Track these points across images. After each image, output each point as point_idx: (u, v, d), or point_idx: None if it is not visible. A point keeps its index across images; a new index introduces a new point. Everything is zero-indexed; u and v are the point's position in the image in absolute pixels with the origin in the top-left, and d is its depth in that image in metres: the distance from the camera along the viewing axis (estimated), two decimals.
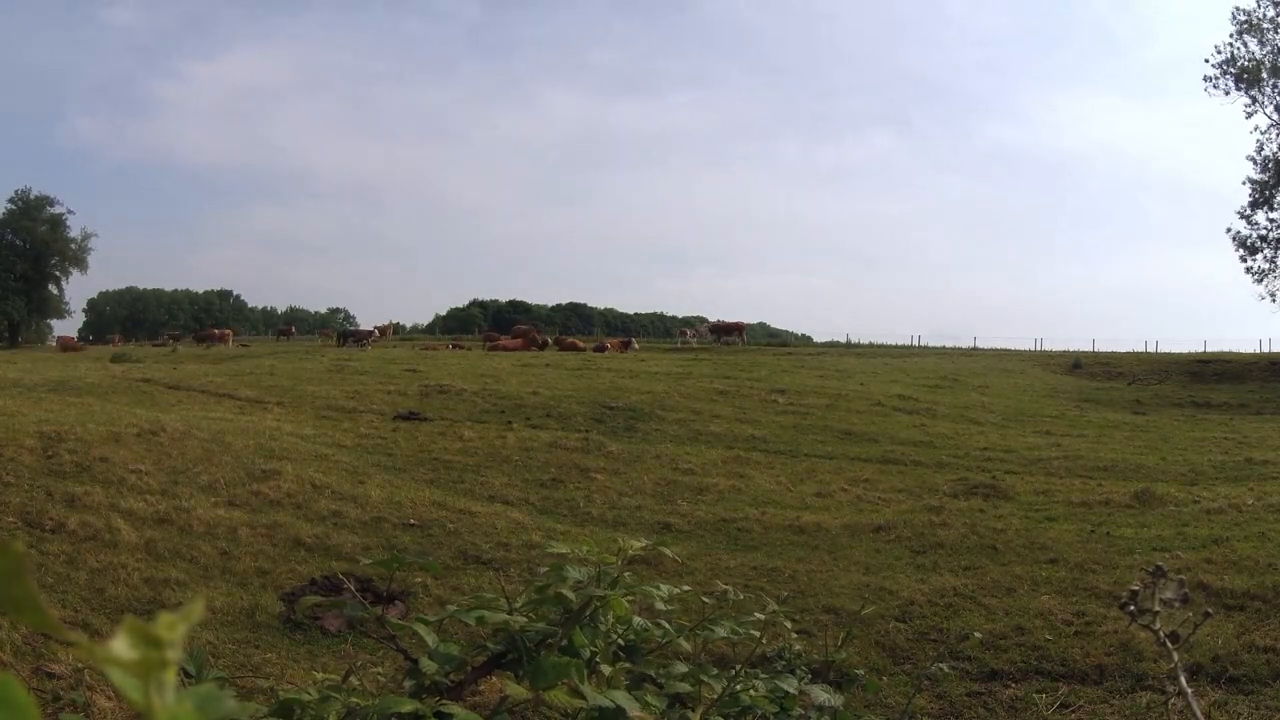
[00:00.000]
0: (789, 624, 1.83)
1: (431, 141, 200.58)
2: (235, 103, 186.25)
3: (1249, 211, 36.36)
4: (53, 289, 67.97)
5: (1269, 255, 36.27)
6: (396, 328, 63.25)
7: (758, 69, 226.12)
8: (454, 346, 43.29)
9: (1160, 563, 1.24)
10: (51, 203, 66.38)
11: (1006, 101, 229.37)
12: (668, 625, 1.68)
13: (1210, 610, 1.48)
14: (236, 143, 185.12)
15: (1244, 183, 36.33)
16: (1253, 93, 34.89)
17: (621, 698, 1.36)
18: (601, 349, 36.83)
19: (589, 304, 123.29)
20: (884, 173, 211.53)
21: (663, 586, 1.64)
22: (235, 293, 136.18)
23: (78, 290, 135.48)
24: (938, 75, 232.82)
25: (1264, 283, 36.48)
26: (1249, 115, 35.51)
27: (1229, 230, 36.79)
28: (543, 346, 38.05)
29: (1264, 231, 36.19)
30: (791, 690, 1.64)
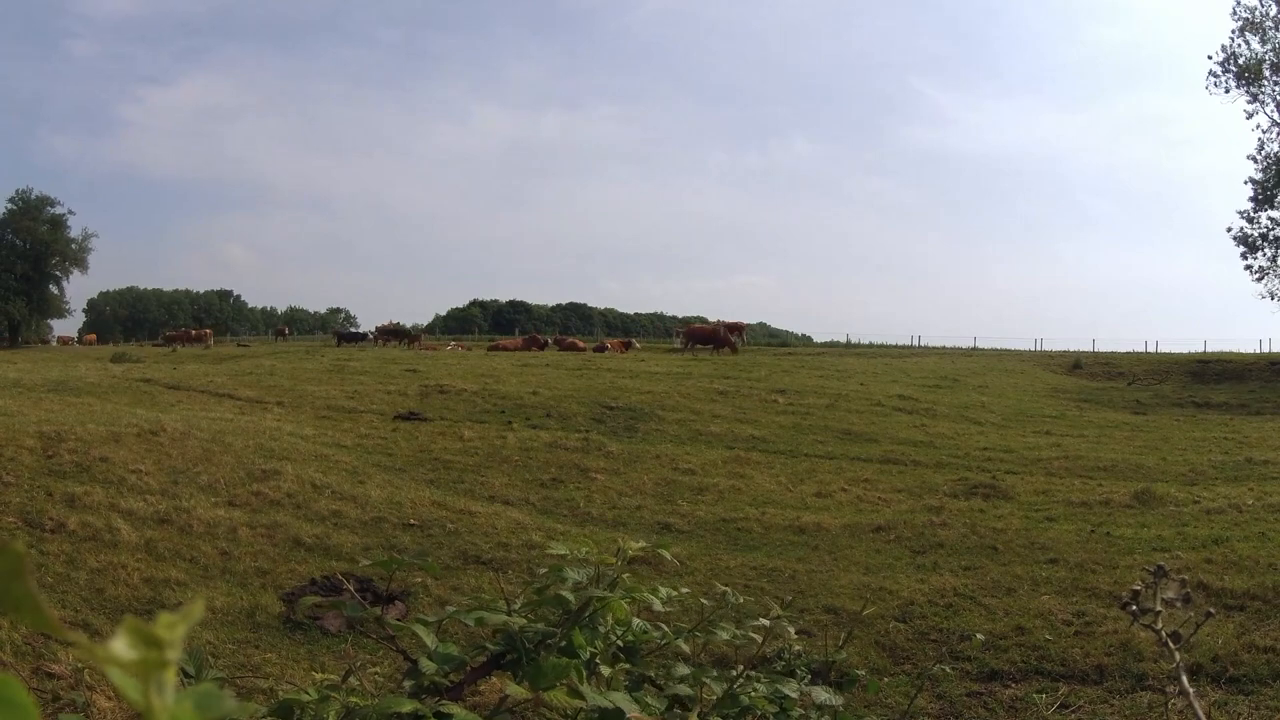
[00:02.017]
0: (791, 629, 1.83)
1: (380, 154, 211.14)
2: (197, 122, 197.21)
3: (1251, 210, 36.35)
4: (53, 289, 67.95)
5: (1269, 254, 36.25)
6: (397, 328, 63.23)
7: (671, 82, 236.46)
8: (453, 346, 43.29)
9: (1161, 563, 1.24)
10: (52, 203, 66.34)
11: (925, 105, 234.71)
12: (666, 627, 1.68)
13: (1212, 610, 1.48)
14: (204, 158, 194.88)
15: (1245, 182, 36.34)
16: (1254, 90, 34.87)
17: (620, 699, 1.35)
18: (602, 349, 36.72)
19: (589, 304, 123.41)
20: (815, 176, 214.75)
21: (661, 589, 1.64)
22: (235, 293, 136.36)
23: (78, 290, 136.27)
24: (851, 81, 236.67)
25: (1264, 282, 36.50)
26: (1249, 115, 35.50)
27: (1230, 229, 36.80)
28: (543, 347, 38.06)
29: (1265, 230, 36.17)
30: (792, 694, 1.64)
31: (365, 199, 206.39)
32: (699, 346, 33.77)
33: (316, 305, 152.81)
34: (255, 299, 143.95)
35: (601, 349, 37.05)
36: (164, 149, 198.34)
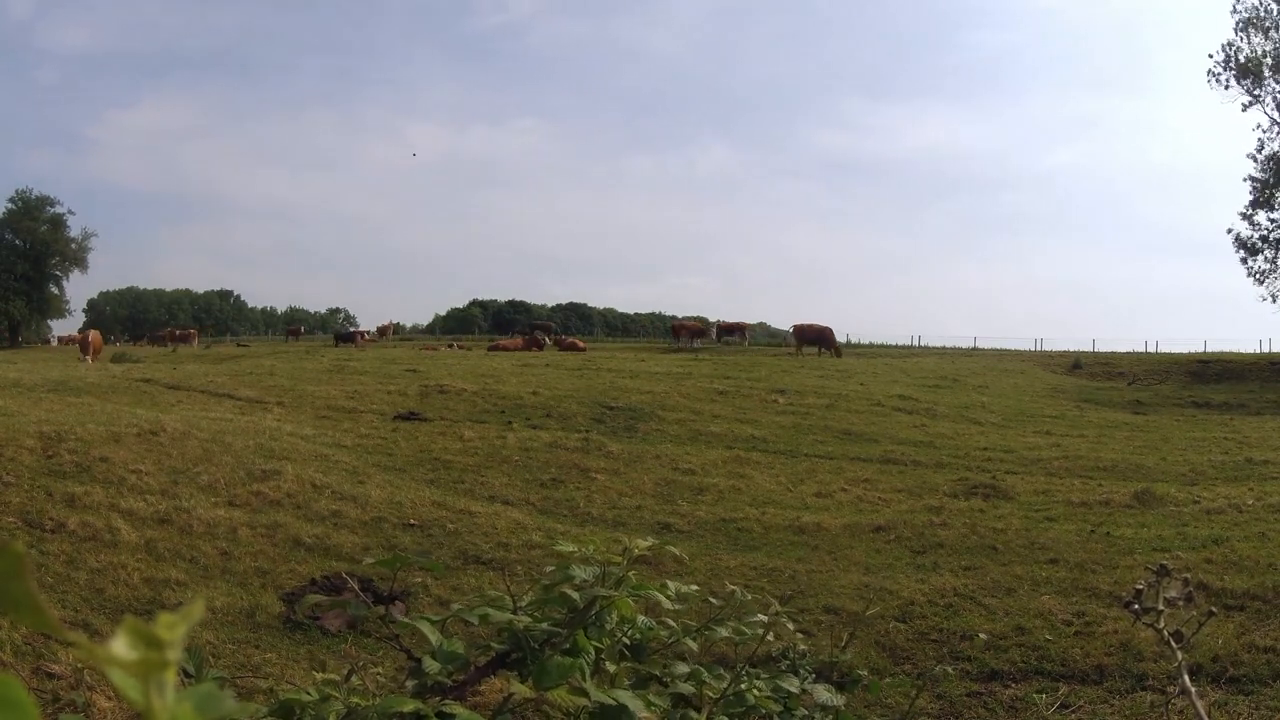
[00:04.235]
0: (791, 625, 1.83)
1: (333, 168, 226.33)
2: (163, 141, 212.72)
3: (1250, 211, 36.26)
4: (53, 289, 67.95)
5: (1269, 256, 36.19)
6: (396, 328, 63.46)
7: (577, 98, 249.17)
8: (450, 347, 43.56)
9: (1164, 562, 1.23)
10: (52, 203, 66.40)
11: (831, 109, 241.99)
12: (674, 624, 1.67)
13: (1214, 610, 1.48)
14: (178, 172, 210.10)
15: (1244, 180, 36.27)
16: (1253, 90, 34.83)
17: (626, 697, 1.35)
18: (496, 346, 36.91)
19: (589, 304, 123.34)
20: (735, 181, 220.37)
21: (671, 585, 1.64)
22: (235, 293, 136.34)
23: (78, 290, 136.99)
24: (756, 88, 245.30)
25: (1265, 284, 36.43)
26: (1245, 109, 35.40)
27: (1230, 230, 36.73)
28: (541, 347, 38.12)
29: (1265, 232, 36.09)
30: (793, 690, 1.64)
31: (342, 206, 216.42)
32: (808, 348, 34.11)
33: (316, 306, 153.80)
34: (255, 299, 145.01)
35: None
36: (135, 165, 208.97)
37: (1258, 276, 36.50)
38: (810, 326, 35.80)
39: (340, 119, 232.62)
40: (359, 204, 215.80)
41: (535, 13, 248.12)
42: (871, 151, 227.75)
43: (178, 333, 54.77)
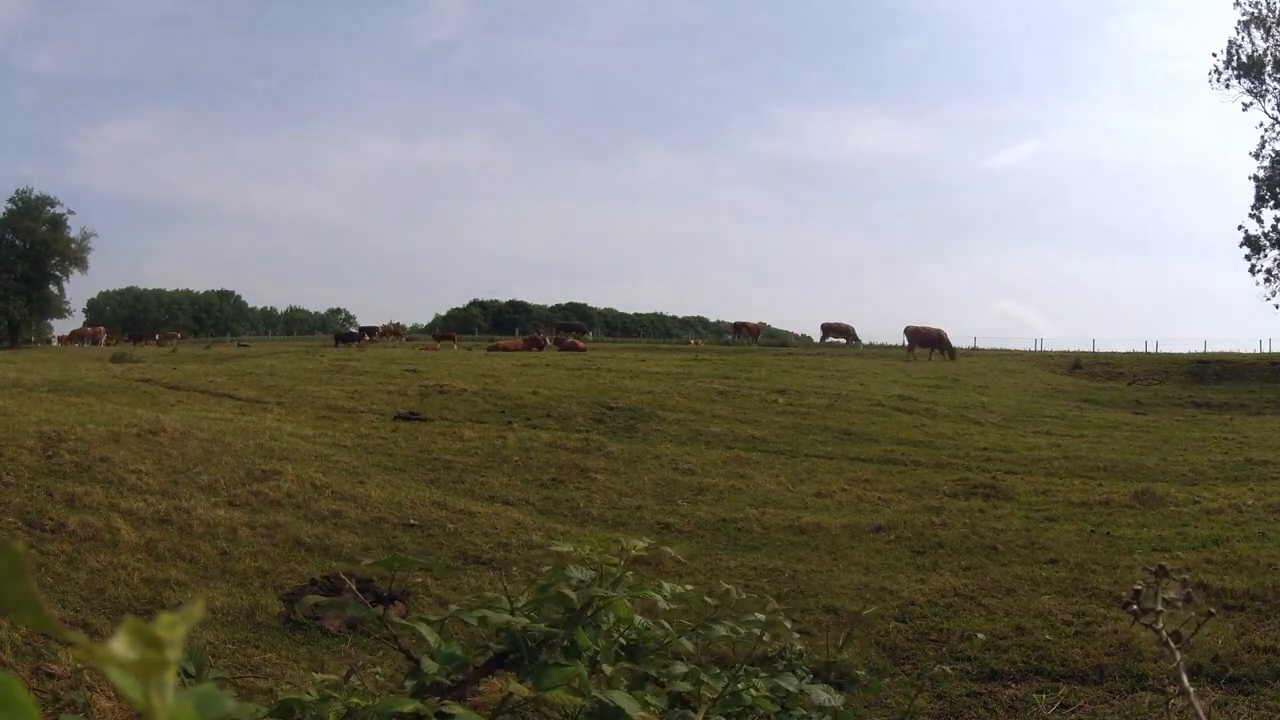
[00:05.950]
0: (789, 624, 1.83)
1: (318, 177, 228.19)
2: (145, 155, 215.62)
3: (1256, 210, 36.22)
4: (53, 289, 67.91)
5: (1277, 257, 36.08)
6: (398, 328, 63.46)
7: (519, 110, 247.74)
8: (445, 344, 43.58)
9: (1162, 562, 1.24)
10: (52, 203, 66.29)
11: (770, 114, 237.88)
12: (668, 626, 1.67)
13: (1213, 610, 1.48)
14: (168, 183, 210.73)
15: (1249, 178, 36.24)
16: (1255, 86, 34.83)
17: (621, 698, 1.36)
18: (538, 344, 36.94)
19: (589, 304, 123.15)
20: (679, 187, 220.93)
21: (666, 585, 1.64)
22: (235, 293, 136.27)
23: (78, 290, 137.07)
24: (697, 97, 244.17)
25: (1270, 284, 36.33)
26: (1245, 108, 35.40)
27: (1240, 228, 36.65)
28: (542, 347, 38.13)
29: (1269, 229, 36.01)
30: (791, 689, 1.64)
31: (334, 212, 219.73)
32: (919, 349, 34.01)
33: (317, 306, 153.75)
34: (255, 299, 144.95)
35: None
36: (123, 176, 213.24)
37: (1265, 276, 36.42)
38: (925, 329, 35.19)
39: (308, 134, 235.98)
40: (350, 209, 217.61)
41: (476, 30, 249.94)
42: (841, 155, 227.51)
43: (89, 331, 58.54)
